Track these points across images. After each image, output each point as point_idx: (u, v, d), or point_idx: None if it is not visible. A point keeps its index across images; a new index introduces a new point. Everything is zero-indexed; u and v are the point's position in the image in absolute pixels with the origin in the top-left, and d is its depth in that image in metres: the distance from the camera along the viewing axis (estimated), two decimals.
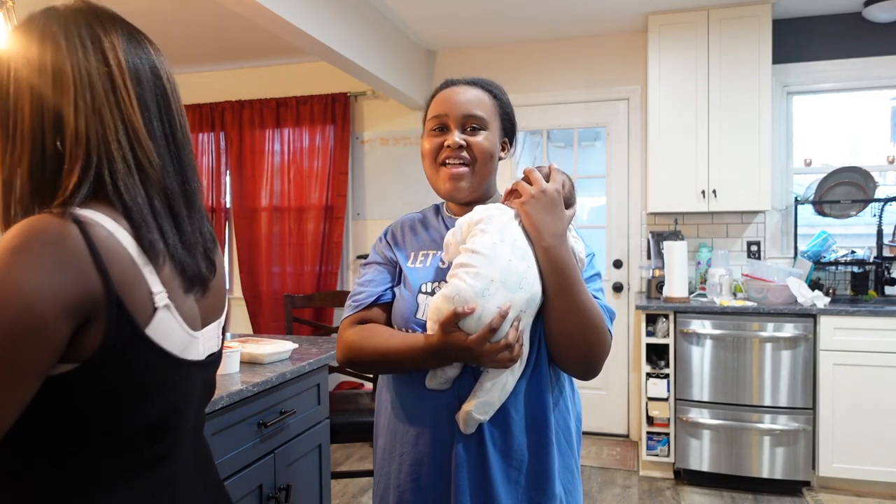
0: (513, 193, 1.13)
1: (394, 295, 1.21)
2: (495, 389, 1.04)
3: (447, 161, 1.17)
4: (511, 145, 1.26)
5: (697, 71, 3.53)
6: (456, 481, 1.06)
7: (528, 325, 1.07)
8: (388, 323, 1.20)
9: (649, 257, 3.77)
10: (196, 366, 0.85)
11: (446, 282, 1.08)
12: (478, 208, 1.13)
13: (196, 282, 0.84)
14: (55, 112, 0.75)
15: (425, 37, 4.03)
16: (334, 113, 4.35)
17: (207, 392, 0.94)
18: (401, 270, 1.22)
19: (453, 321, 1.00)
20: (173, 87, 0.86)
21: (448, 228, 1.20)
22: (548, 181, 1.11)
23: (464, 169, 1.17)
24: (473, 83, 1.22)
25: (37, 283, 0.66)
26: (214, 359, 0.92)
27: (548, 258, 1.06)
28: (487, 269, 1.03)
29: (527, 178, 1.13)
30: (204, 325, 0.87)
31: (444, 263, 1.16)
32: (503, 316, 1.00)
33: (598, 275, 1.20)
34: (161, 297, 0.77)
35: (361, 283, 1.24)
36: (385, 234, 1.30)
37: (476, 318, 1.00)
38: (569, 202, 1.14)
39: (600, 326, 1.08)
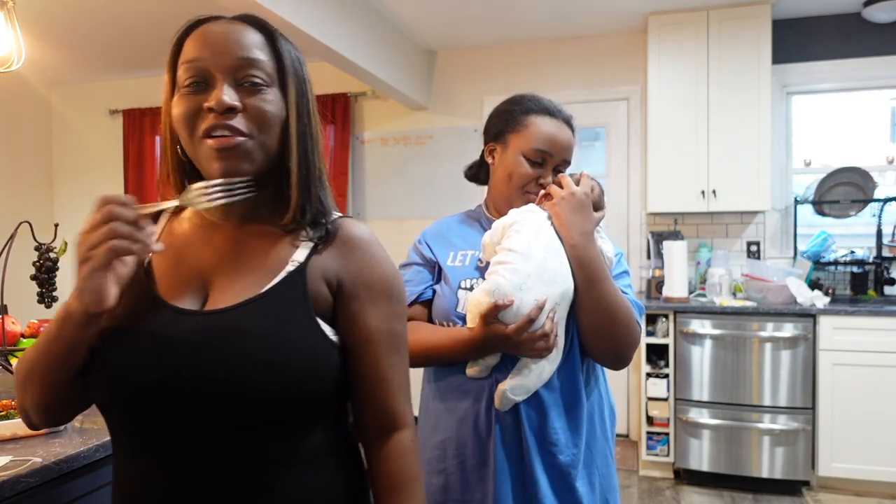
0: (546, 196, 1.22)
1: (434, 292, 1.28)
2: (532, 375, 1.12)
3: (533, 193, 1.26)
4: None
5: (697, 71, 3.53)
6: (495, 462, 1.14)
7: (562, 318, 1.15)
8: (429, 320, 1.27)
9: (649, 257, 3.78)
10: None
11: (485, 279, 1.16)
12: (512, 212, 1.23)
13: None
14: (319, 134, 0.90)
15: (425, 37, 4.03)
16: (335, 113, 4.35)
17: None
18: (440, 269, 1.28)
19: (494, 313, 1.09)
20: None
21: (487, 230, 1.27)
22: (578, 186, 1.21)
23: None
24: (568, 123, 1.29)
25: None
26: None
27: (576, 255, 1.15)
28: (524, 266, 1.12)
29: (558, 183, 1.22)
30: None
31: (481, 262, 1.24)
32: (540, 308, 1.09)
33: (626, 272, 1.29)
34: None
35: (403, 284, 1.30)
36: (424, 236, 1.36)
37: (514, 310, 1.09)
38: (598, 206, 1.23)
39: (628, 319, 1.16)
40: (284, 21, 2.61)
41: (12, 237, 1.66)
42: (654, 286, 3.56)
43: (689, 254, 3.53)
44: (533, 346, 1.10)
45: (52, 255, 1.81)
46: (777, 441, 3.14)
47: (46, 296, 1.81)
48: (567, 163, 1.28)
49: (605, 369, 1.30)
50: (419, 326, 1.23)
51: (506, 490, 1.14)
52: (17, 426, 1.30)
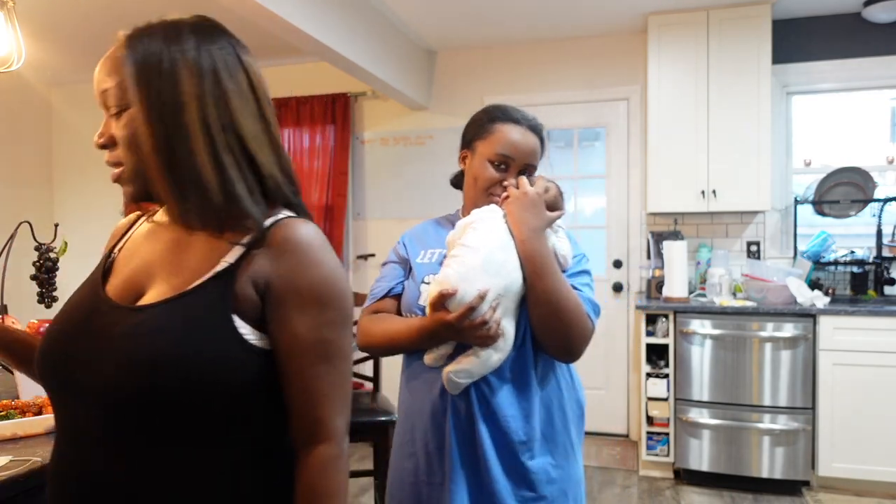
0: (507, 197, 1.31)
1: (404, 287, 1.37)
2: (477, 361, 1.19)
3: (497, 195, 1.33)
4: None
5: (697, 71, 3.53)
6: (449, 444, 1.23)
7: (508, 309, 1.22)
8: (399, 312, 1.36)
9: (649, 257, 3.78)
10: None
11: None
12: (474, 211, 1.32)
13: None
14: (210, 123, 0.83)
15: (425, 37, 4.03)
16: (334, 113, 4.35)
17: None
18: (412, 267, 1.38)
19: (440, 302, 1.17)
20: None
21: None
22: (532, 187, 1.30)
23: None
24: (533, 129, 1.35)
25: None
26: None
27: (524, 250, 1.23)
28: (471, 259, 1.20)
29: (519, 185, 1.32)
30: None
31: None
32: (481, 297, 1.16)
33: (585, 272, 1.35)
34: None
35: (378, 280, 1.42)
36: (403, 237, 1.46)
37: (458, 298, 1.16)
38: (554, 206, 1.31)
39: (575, 313, 1.22)
40: (284, 21, 2.62)
41: (12, 237, 1.66)
42: (654, 286, 3.56)
43: (689, 254, 3.53)
44: (475, 334, 1.16)
45: (52, 255, 1.81)
46: (777, 441, 3.14)
47: (46, 296, 1.82)
48: (532, 167, 1.34)
49: (571, 365, 1.36)
50: (384, 318, 1.33)
51: (460, 475, 1.22)
52: (17, 426, 1.30)
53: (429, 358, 1.26)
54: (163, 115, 0.81)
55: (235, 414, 0.81)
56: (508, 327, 1.21)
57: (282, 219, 0.86)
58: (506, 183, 1.32)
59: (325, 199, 4.33)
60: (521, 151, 1.32)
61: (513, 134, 1.32)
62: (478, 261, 1.20)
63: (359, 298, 2.54)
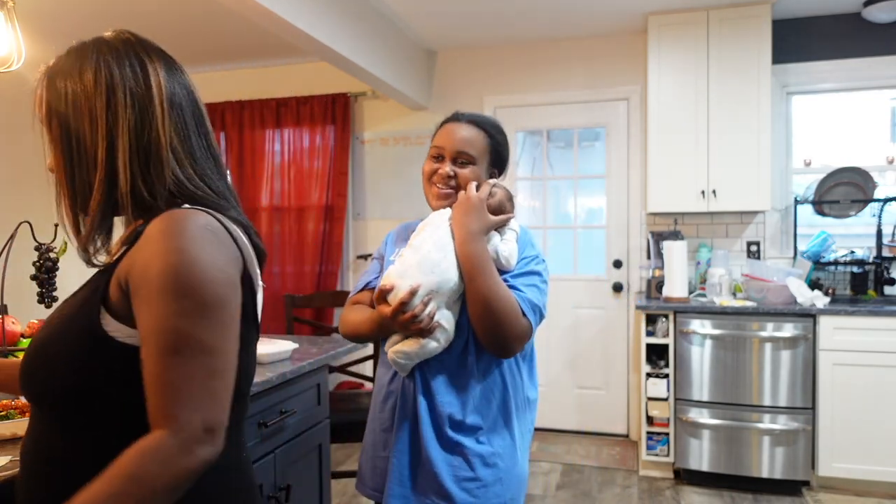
0: None
1: None
2: (416, 347, 1.30)
3: (437, 184, 1.43)
4: (502, 173, 1.51)
5: (697, 71, 3.53)
6: (396, 419, 1.37)
7: (443, 304, 1.31)
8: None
9: (649, 257, 3.78)
10: None
11: None
12: (430, 215, 1.42)
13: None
14: (110, 131, 0.86)
15: (425, 37, 4.03)
16: (334, 113, 4.35)
17: None
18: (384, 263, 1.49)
19: (381, 296, 1.29)
20: (202, 105, 0.96)
21: None
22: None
23: (448, 191, 1.42)
24: (473, 122, 1.44)
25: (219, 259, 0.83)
26: None
27: (461, 251, 1.32)
28: (411, 258, 1.31)
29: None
30: None
31: None
32: (412, 293, 1.26)
33: (533, 272, 1.38)
34: (259, 280, 0.95)
35: (362, 274, 1.55)
36: (387, 236, 1.56)
37: (394, 294, 1.27)
38: (499, 210, 1.38)
39: (507, 313, 1.28)
40: (284, 21, 2.61)
41: (12, 237, 1.66)
42: (654, 286, 3.56)
43: (689, 254, 3.53)
44: (408, 327, 1.27)
45: (52, 255, 1.81)
46: (777, 441, 3.14)
47: (46, 296, 1.81)
48: (465, 155, 1.40)
49: (528, 362, 1.44)
50: (356, 308, 1.46)
51: (403, 448, 1.34)
52: (17, 426, 1.30)
53: (388, 344, 1.36)
54: (64, 142, 0.87)
55: (100, 404, 0.84)
56: (445, 320, 1.30)
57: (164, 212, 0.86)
58: (441, 172, 1.40)
59: (325, 199, 4.34)
60: (450, 140, 1.41)
61: (448, 128, 1.44)
62: (416, 259, 1.30)
63: None
